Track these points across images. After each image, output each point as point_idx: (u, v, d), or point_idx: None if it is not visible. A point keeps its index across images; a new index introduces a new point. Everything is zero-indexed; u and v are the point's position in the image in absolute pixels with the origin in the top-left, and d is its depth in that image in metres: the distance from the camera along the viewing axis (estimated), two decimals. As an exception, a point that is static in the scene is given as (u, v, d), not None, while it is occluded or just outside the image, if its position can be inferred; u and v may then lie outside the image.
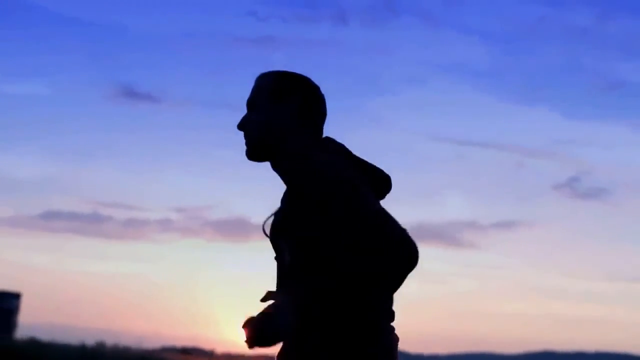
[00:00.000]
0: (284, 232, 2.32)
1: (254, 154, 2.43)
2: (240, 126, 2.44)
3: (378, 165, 2.40)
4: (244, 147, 2.45)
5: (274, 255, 2.40)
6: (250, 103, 2.45)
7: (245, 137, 2.44)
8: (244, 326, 2.19)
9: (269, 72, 2.47)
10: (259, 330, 2.17)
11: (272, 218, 2.41)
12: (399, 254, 2.08)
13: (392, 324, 2.29)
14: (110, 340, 24.94)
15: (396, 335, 2.28)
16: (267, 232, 2.42)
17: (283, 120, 2.39)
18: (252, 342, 2.18)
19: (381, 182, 2.37)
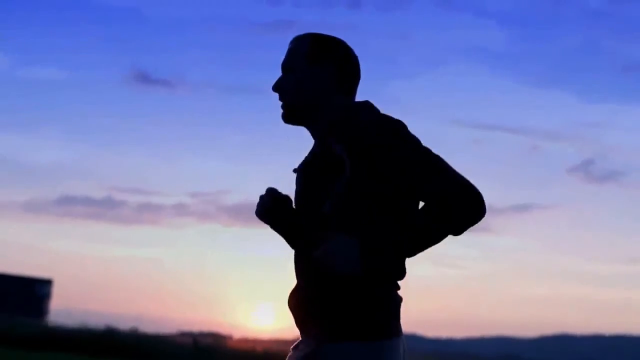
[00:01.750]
0: (329, 180, 2.31)
1: (291, 117, 2.44)
2: (276, 88, 2.45)
3: None
4: (280, 110, 2.46)
5: (304, 208, 2.40)
6: (286, 66, 2.45)
7: (282, 99, 2.44)
8: (265, 195, 2.41)
9: (304, 35, 2.47)
10: (273, 204, 2.38)
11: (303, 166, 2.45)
12: (478, 203, 2.25)
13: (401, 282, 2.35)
14: (125, 325, 24.84)
15: (400, 297, 2.33)
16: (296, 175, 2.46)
17: (321, 82, 2.41)
18: (262, 211, 2.41)
19: None
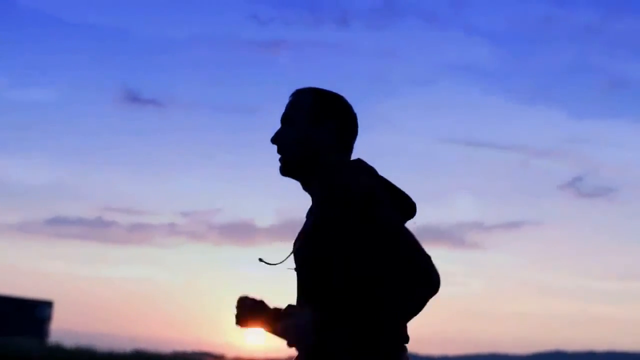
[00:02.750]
0: (310, 247, 2.35)
1: (289, 171, 2.46)
2: (274, 140, 2.47)
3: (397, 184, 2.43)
4: (277, 163, 2.48)
5: (294, 267, 2.44)
6: (287, 119, 2.47)
7: (280, 152, 2.46)
8: (238, 305, 2.37)
9: (306, 90, 2.49)
10: (249, 311, 2.35)
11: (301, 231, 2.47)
12: (428, 281, 2.21)
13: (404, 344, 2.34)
14: (118, 346, 24.94)
15: (408, 358, 2.34)
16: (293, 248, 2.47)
17: (321, 140, 2.42)
18: (239, 321, 2.37)
19: (407, 207, 2.40)
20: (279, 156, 2.47)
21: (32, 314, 32.57)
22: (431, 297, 2.22)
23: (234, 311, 2.38)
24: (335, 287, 2.28)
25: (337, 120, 2.44)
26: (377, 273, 2.25)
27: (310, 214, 2.45)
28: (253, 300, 2.39)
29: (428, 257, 2.23)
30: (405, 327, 2.33)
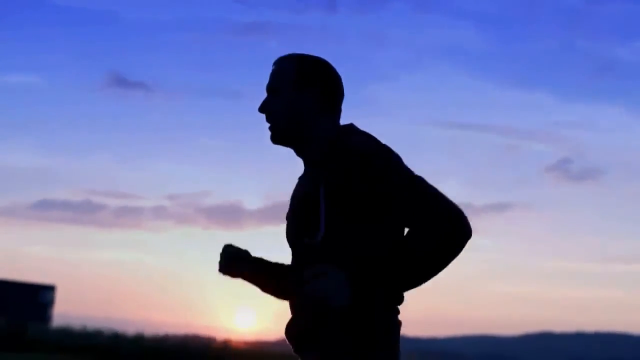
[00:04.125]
0: (317, 210, 2.36)
1: (279, 139, 2.49)
2: (262, 109, 2.49)
3: None
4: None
5: (291, 237, 2.48)
6: (272, 87, 2.49)
7: (269, 121, 2.49)
8: (222, 253, 2.56)
9: (288, 56, 2.51)
10: (233, 259, 2.54)
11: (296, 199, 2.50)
12: (462, 229, 2.26)
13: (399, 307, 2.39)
14: (109, 329, 24.99)
15: (400, 322, 2.38)
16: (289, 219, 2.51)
17: (308, 105, 2.45)
18: (222, 268, 2.56)
19: None
20: (268, 125, 2.49)
21: (36, 298, 32.76)
22: (466, 242, 2.27)
23: (218, 259, 2.55)
24: (358, 245, 2.31)
25: (322, 84, 2.46)
26: (406, 224, 2.32)
27: (306, 177, 2.49)
28: (237, 249, 2.56)
29: (455, 205, 2.28)
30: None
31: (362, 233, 2.31)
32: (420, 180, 2.30)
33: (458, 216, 2.25)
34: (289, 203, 2.54)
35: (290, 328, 2.43)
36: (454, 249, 2.25)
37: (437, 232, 2.23)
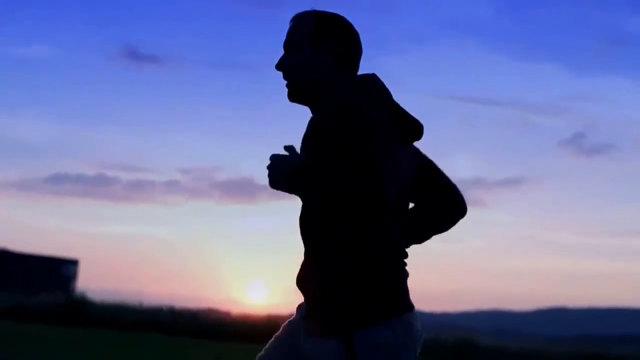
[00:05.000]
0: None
1: (296, 96, 2.47)
2: (279, 66, 2.49)
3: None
4: (285, 89, 2.48)
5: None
6: (288, 44, 2.49)
7: (286, 78, 2.48)
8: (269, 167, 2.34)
9: (305, 13, 2.49)
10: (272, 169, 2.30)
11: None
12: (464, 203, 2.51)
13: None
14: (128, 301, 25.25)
15: (407, 272, 2.41)
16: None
17: (324, 62, 2.44)
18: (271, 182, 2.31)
19: (411, 128, 2.44)
20: (285, 83, 2.48)
21: (59, 271, 33.09)
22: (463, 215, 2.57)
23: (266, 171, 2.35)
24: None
25: (338, 40, 2.44)
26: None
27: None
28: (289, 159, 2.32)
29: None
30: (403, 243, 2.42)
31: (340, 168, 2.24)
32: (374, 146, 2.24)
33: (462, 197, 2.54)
34: None
35: (301, 276, 2.43)
36: (455, 220, 2.56)
37: (458, 204, 2.52)
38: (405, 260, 2.39)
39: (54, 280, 32.37)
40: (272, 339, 2.52)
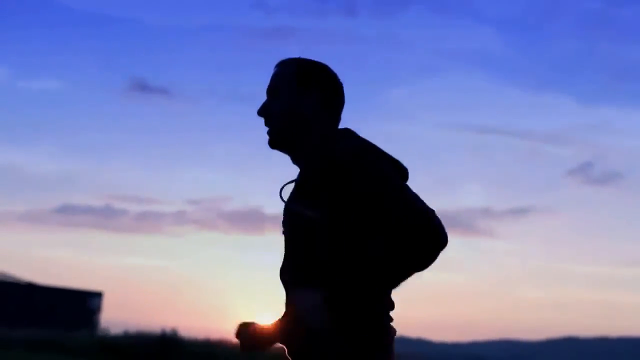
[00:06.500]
0: (295, 214, 2.37)
1: (277, 144, 2.45)
2: (261, 112, 2.46)
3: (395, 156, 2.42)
4: (266, 136, 2.46)
5: (282, 230, 2.45)
6: (272, 90, 2.46)
7: (268, 125, 2.45)
8: (237, 334, 2.37)
9: (289, 60, 2.48)
10: (245, 338, 2.34)
11: (291, 185, 2.47)
12: (431, 234, 2.16)
13: (391, 313, 2.35)
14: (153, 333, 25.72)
15: (394, 329, 2.34)
16: (284, 198, 2.47)
17: (307, 110, 2.41)
18: (243, 348, 2.36)
19: (403, 172, 2.38)
20: (267, 129, 2.45)
21: (84, 304, 33.41)
22: (439, 251, 2.18)
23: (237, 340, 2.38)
24: (321, 257, 2.26)
25: (322, 90, 2.42)
26: (371, 234, 2.23)
27: (295, 185, 2.43)
28: (252, 327, 2.35)
29: (431, 211, 2.20)
30: (390, 294, 2.33)
31: (342, 240, 2.25)
32: (399, 186, 2.24)
33: (436, 224, 2.18)
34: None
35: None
36: (428, 255, 2.17)
37: (417, 238, 2.15)
38: (391, 314, 2.35)
39: (81, 313, 32.65)
40: None
